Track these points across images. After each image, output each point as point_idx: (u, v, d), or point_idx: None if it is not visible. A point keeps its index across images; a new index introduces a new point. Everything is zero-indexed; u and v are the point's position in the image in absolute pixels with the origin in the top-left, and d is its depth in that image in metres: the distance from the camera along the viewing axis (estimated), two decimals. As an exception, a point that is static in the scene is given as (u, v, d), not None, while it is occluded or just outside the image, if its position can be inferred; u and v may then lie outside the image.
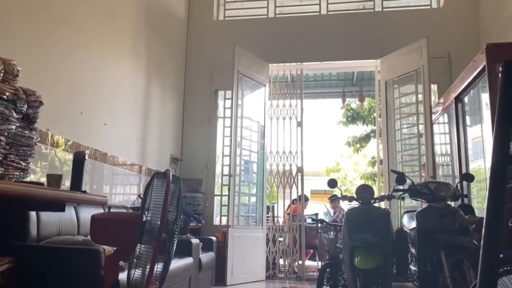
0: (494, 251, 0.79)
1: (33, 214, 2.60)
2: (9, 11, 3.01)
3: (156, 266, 1.73)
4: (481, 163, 4.00)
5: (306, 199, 7.03)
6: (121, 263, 1.78)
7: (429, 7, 6.30)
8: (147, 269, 1.67)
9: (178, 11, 6.49)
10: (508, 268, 1.78)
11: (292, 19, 6.59)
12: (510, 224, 2.94)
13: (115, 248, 1.82)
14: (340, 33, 6.26)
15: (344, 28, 6.27)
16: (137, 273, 1.69)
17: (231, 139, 5.59)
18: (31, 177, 3.05)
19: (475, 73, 3.63)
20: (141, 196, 1.77)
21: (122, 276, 1.83)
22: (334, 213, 7.71)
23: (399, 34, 5.93)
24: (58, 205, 2.05)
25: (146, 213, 1.71)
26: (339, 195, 3.82)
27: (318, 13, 6.50)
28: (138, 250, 1.69)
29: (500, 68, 0.91)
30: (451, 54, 5.75)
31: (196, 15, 6.74)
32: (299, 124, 6.32)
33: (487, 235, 0.80)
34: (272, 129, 6.34)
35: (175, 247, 1.75)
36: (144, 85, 5.29)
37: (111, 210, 3.51)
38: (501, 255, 2.70)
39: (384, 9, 6.38)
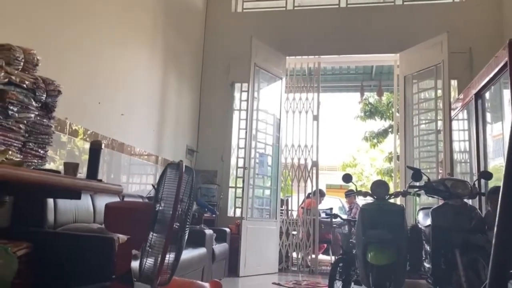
0: (506, 251, 0.77)
1: (50, 201, 2.66)
2: (29, 1, 3.06)
3: (168, 256, 1.75)
4: (501, 161, 3.92)
5: (323, 195, 7.01)
6: (134, 251, 1.82)
7: (451, 0, 6.16)
8: (159, 258, 1.69)
9: (196, 2, 6.50)
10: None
11: (311, 11, 6.53)
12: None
13: (128, 237, 1.86)
14: (359, 26, 6.18)
15: (363, 21, 6.19)
16: (149, 261, 1.71)
17: (246, 132, 5.59)
18: (51, 165, 3.12)
19: (496, 69, 3.55)
20: (155, 186, 1.79)
21: (135, 264, 1.86)
22: (350, 208, 7.67)
23: (419, 28, 5.83)
24: (74, 193, 2.09)
25: (159, 203, 1.73)
26: (355, 190, 3.81)
27: (337, 6, 6.43)
28: (151, 239, 1.72)
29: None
30: (472, 49, 5.62)
31: (214, 7, 6.73)
32: (315, 118, 6.29)
33: (500, 234, 0.78)
34: (288, 122, 6.32)
35: (186, 237, 1.77)
36: (161, 76, 5.33)
37: (127, 199, 3.57)
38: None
39: (405, 3, 6.27)
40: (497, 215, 0.82)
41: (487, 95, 4.21)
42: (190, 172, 1.72)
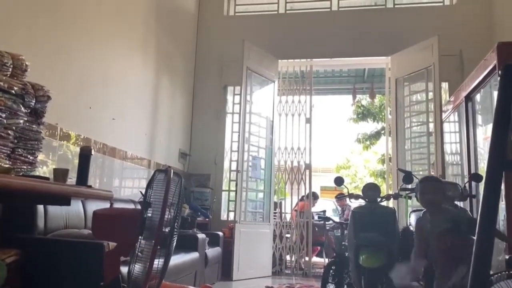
0: (486, 258, 0.78)
1: (40, 207, 2.65)
2: (18, 6, 3.04)
3: (157, 261, 1.75)
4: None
5: (316, 197, 7.03)
6: (122, 258, 1.81)
7: (441, 4, 6.22)
8: (148, 264, 1.68)
9: (188, 6, 6.50)
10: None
11: (303, 15, 6.56)
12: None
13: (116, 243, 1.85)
14: (351, 29, 6.21)
15: (355, 24, 6.22)
16: (137, 267, 1.71)
17: (239, 135, 5.60)
18: (44, 169, 3.10)
19: (485, 72, 3.57)
20: (142, 192, 1.79)
21: (123, 270, 1.86)
22: (343, 210, 7.68)
23: (410, 31, 5.87)
24: (63, 200, 2.07)
25: (147, 209, 1.73)
26: (346, 193, 3.81)
27: (329, 9, 6.46)
28: (139, 245, 1.71)
29: (499, 72, 0.90)
30: (463, 52, 5.67)
31: (206, 10, 6.74)
32: (308, 120, 6.30)
33: (480, 242, 0.79)
34: (280, 125, 6.33)
35: (175, 243, 1.77)
36: (153, 80, 5.32)
37: (119, 204, 3.55)
38: (507, 257, 2.67)
39: (396, 6, 6.31)
40: (478, 219, 0.83)
41: (477, 97, 4.25)
42: (178, 179, 1.72)
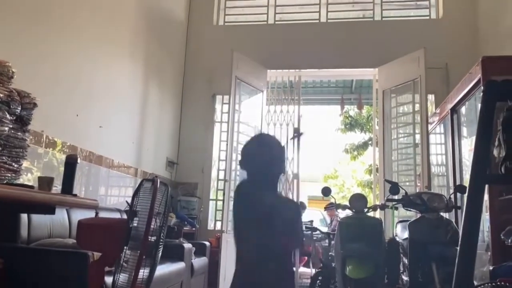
0: (469, 269, 0.79)
1: (24, 216, 2.60)
2: (5, 13, 3.02)
3: (143, 271, 1.73)
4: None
5: (304, 207, 7.02)
6: (107, 268, 1.79)
7: (428, 17, 6.33)
8: (133, 274, 1.67)
9: (178, 15, 6.52)
10: (499, 283, 1.76)
11: (292, 26, 6.61)
12: (502, 237, 2.95)
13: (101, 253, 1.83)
14: (339, 41, 6.27)
15: (343, 36, 6.28)
16: (122, 277, 1.69)
17: (227, 144, 5.59)
18: (28, 177, 3.06)
19: (470, 85, 3.64)
20: (128, 202, 1.78)
21: (108, 280, 1.83)
22: (331, 221, 7.69)
23: (397, 43, 5.95)
24: (48, 208, 2.05)
25: (133, 219, 1.72)
26: (334, 204, 3.83)
27: (317, 21, 6.52)
28: (124, 255, 1.69)
29: (482, 87, 0.92)
30: (449, 65, 5.76)
31: (196, 20, 6.75)
32: (296, 130, 6.31)
33: (463, 254, 0.80)
34: (269, 135, 6.33)
35: (160, 252, 1.76)
36: (142, 88, 5.30)
37: (105, 213, 3.51)
38: (491, 268, 2.70)
39: (384, 19, 6.40)
40: (461, 231, 0.84)
41: (462, 109, 4.32)
42: (164, 188, 1.71)
